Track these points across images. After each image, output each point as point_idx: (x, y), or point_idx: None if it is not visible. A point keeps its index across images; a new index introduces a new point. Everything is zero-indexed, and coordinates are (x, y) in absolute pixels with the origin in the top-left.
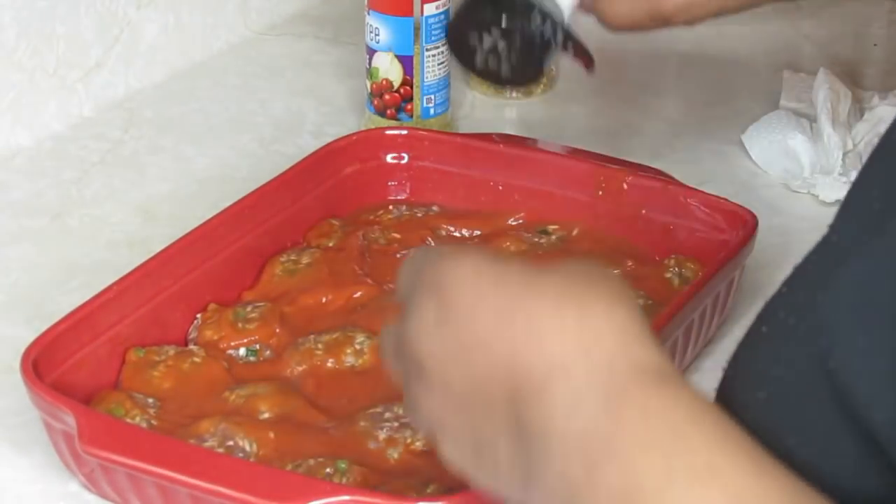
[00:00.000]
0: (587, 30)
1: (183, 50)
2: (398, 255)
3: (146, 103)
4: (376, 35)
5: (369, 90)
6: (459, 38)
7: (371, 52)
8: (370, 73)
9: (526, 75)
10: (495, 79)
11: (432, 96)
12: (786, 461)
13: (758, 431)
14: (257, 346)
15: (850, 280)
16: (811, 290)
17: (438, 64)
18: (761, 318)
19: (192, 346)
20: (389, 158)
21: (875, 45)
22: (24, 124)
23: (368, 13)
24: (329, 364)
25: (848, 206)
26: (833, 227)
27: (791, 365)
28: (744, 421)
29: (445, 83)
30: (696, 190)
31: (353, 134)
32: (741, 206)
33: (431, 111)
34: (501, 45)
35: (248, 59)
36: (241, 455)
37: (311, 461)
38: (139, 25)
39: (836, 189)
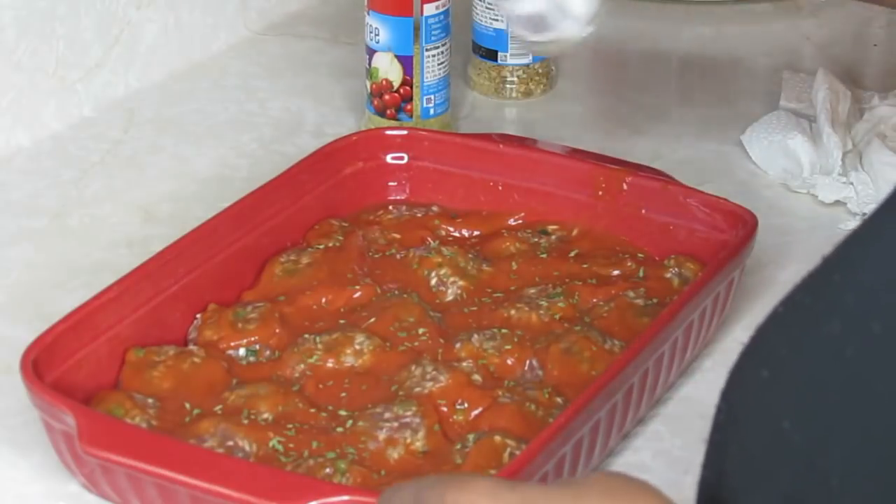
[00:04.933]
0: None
1: (183, 50)
2: (398, 255)
3: (146, 103)
4: (376, 35)
5: (369, 90)
6: None
7: (371, 52)
8: (370, 73)
9: None
10: None
11: (432, 96)
12: (778, 445)
13: (755, 410)
14: (257, 347)
15: (869, 262)
16: (830, 271)
17: (438, 64)
18: (781, 301)
19: (192, 347)
20: (389, 158)
21: (875, 45)
22: (24, 124)
23: (368, 13)
24: (329, 364)
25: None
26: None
27: (797, 346)
28: (744, 399)
29: (445, 83)
30: (696, 190)
31: (353, 134)
32: (741, 206)
33: (431, 111)
34: None
35: (248, 59)
36: (241, 455)
37: (311, 461)
38: (139, 25)
39: (835, 189)
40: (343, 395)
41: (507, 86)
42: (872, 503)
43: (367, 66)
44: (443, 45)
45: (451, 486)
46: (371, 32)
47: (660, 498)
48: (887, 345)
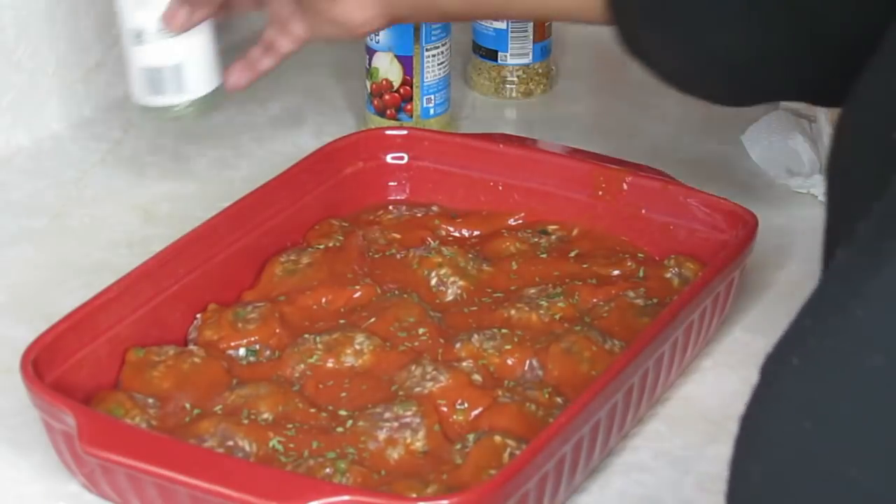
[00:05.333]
0: (588, 30)
1: None
2: (398, 255)
3: None
4: (376, 35)
5: (369, 90)
6: None
7: (371, 52)
8: (370, 73)
9: None
10: None
11: (432, 96)
12: (846, 493)
13: (807, 465)
14: (257, 346)
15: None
16: (844, 308)
17: (438, 64)
18: (788, 351)
19: (192, 347)
20: (389, 158)
21: None
22: (25, 124)
23: None
24: (329, 364)
25: None
26: None
27: (835, 390)
28: (783, 451)
29: (445, 83)
30: (696, 190)
31: (353, 134)
32: (741, 206)
33: (431, 111)
34: None
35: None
36: (241, 455)
37: (311, 461)
38: None
39: None
40: (343, 395)
41: (507, 86)
42: None
43: (367, 66)
44: (443, 46)
45: None
46: (371, 32)
47: None
48: None
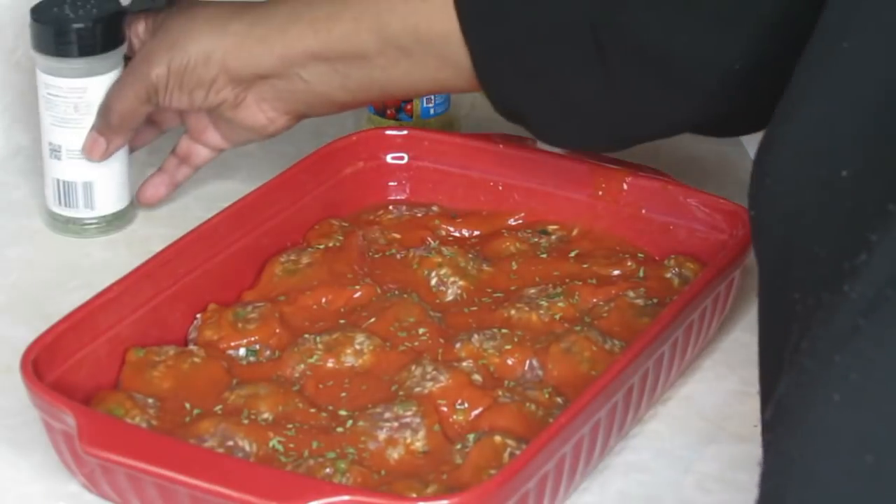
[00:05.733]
0: None
1: None
2: (398, 255)
3: None
4: None
5: None
6: None
7: None
8: None
9: None
10: None
11: (432, 96)
12: (861, 479)
13: (826, 452)
14: (257, 346)
15: None
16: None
17: None
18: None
19: (192, 346)
20: (389, 158)
21: None
22: (25, 124)
23: None
24: (329, 364)
25: None
26: None
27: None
28: (807, 443)
29: None
30: (696, 190)
31: (353, 134)
32: (741, 206)
33: (431, 111)
34: None
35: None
36: (241, 455)
37: (311, 461)
38: None
39: None
40: (343, 395)
41: None
42: None
43: None
44: None
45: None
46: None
47: None
48: None
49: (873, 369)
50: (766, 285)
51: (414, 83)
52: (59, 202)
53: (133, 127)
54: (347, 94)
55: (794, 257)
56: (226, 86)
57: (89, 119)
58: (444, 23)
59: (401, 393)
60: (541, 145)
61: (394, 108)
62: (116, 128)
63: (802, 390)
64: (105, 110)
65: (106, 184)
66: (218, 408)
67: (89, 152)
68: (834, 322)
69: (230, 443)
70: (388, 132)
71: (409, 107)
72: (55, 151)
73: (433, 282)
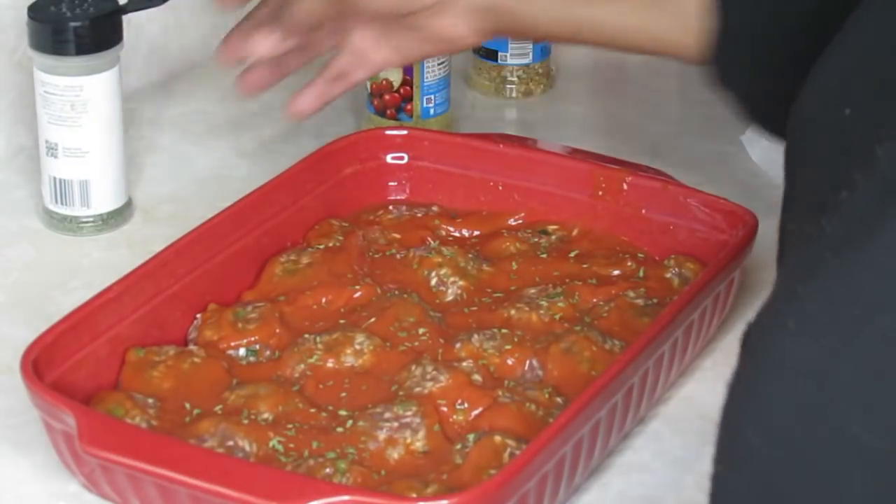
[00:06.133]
0: None
1: (183, 50)
2: (398, 255)
3: (146, 103)
4: None
5: (369, 90)
6: None
7: None
8: None
9: None
10: None
11: (432, 96)
12: (848, 451)
13: (810, 427)
14: (257, 346)
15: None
16: (852, 275)
17: (438, 64)
18: (786, 317)
19: (192, 346)
20: (389, 158)
21: None
22: (25, 124)
23: None
24: (329, 364)
25: None
26: None
27: (837, 353)
28: (785, 414)
29: (445, 83)
30: (696, 190)
31: (353, 134)
32: (741, 206)
33: (431, 111)
34: None
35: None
36: (241, 455)
37: (311, 461)
38: (139, 25)
39: None
40: (343, 395)
41: (507, 86)
42: None
43: None
44: None
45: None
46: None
47: None
48: None
49: (829, 304)
50: (780, 221)
51: (625, 29)
52: (56, 200)
53: (310, 27)
54: (553, 23)
55: (797, 189)
56: None
57: (86, 117)
58: None
59: (401, 393)
60: (541, 144)
61: (394, 109)
62: (297, 24)
63: (765, 317)
64: (291, 6)
65: (102, 182)
66: (218, 408)
67: (255, 43)
68: (806, 254)
69: (230, 443)
70: (388, 132)
71: (409, 107)
72: (52, 149)
73: (433, 282)
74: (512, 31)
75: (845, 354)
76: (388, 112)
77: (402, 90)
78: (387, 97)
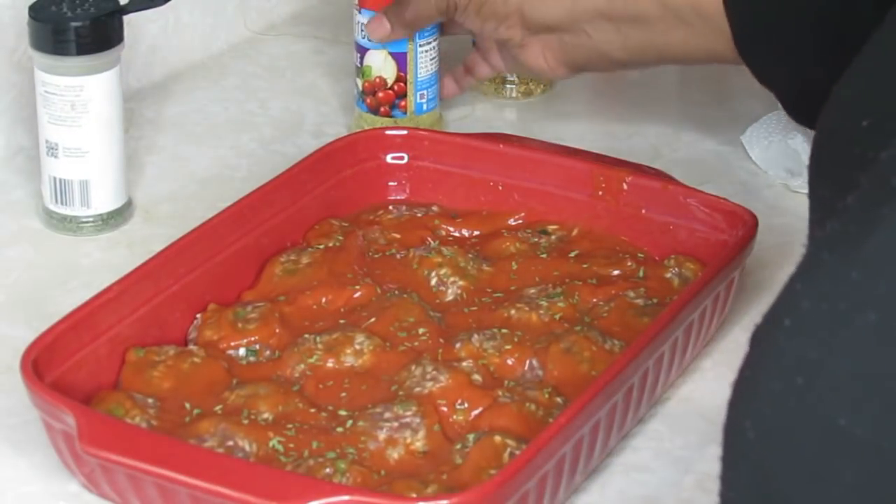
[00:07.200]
0: None
1: (183, 50)
2: (398, 255)
3: (146, 103)
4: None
5: (360, 88)
6: None
7: (363, 49)
8: (362, 71)
9: None
10: None
11: (425, 92)
12: (835, 442)
13: (798, 418)
14: (257, 346)
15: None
16: (841, 270)
17: (430, 59)
18: (782, 312)
19: (192, 346)
20: (389, 158)
21: None
22: (25, 124)
23: (359, 10)
24: (329, 364)
25: None
26: None
27: (828, 346)
28: (780, 411)
29: (436, 79)
30: (696, 190)
31: (353, 134)
32: (741, 206)
33: (424, 107)
34: None
35: (248, 59)
36: (241, 455)
37: (311, 461)
38: (139, 25)
39: None
40: (343, 395)
41: (507, 86)
42: None
43: (359, 65)
44: (434, 41)
45: None
46: (363, 30)
47: None
48: None
49: (821, 301)
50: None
51: (689, 51)
52: (56, 200)
53: (419, 28)
54: (626, 53)
55: (816, 199)
56: (515, 26)
57: (86, 117)
58: None
59: (401, 393)
60: (541, 144)
61: (388, 106)
62: (406, 23)
63: (767, 314)
64: (404, 5)
65: (102, 182)
66: (218, 408)
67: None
68: (808, 253)
69: (230, 443)
70: (388, 132)
71: (403, 103)
72: (52, 149)
73: (433, 282)
74: (588, 68)
75: (834, 349)
76: (382, 109)
77: (396, 87)
78: (380, 94)
